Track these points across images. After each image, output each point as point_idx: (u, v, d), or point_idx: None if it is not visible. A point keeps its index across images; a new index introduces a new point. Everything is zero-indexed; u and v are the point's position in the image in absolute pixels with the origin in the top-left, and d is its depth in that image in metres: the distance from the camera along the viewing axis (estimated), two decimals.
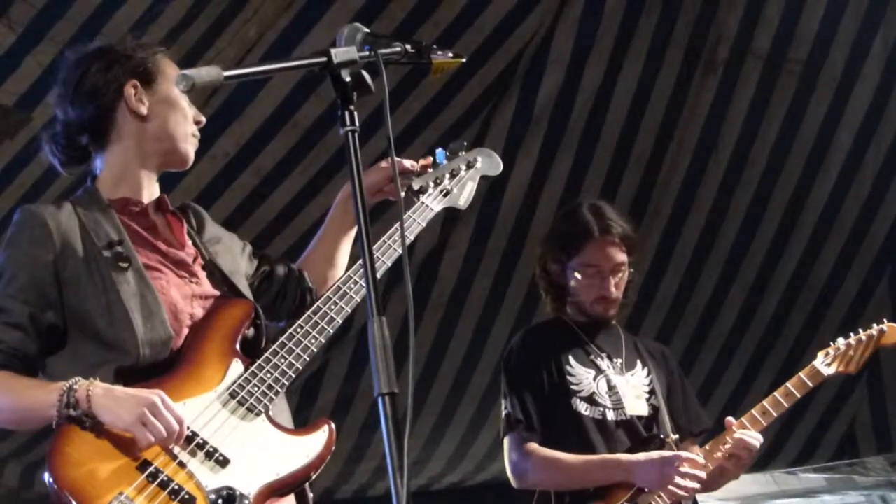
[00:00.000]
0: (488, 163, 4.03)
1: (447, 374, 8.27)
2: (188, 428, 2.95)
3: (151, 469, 2.88)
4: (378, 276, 3.18)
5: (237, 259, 3.53)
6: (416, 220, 3.67)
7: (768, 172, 7.68)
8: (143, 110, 3.32)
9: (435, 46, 2.92)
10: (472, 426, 8.52)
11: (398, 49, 2.79)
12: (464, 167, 3.93)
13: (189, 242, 3.40)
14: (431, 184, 3.81)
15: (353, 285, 3.36)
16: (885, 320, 4.87)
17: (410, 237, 3.60)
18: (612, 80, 7.36)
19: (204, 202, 3.57)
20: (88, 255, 3.16)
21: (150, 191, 3.38)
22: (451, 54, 2.98)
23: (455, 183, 3.87)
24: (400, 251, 3.47)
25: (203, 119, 3.44)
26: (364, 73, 2.69)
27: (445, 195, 3.82)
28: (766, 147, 7.59)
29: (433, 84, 6.82)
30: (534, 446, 4.52)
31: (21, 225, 3.21)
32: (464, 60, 3.05)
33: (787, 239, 7.90)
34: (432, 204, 3.76)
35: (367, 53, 2.69)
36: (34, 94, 6.23)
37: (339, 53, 2.66)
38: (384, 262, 3.43)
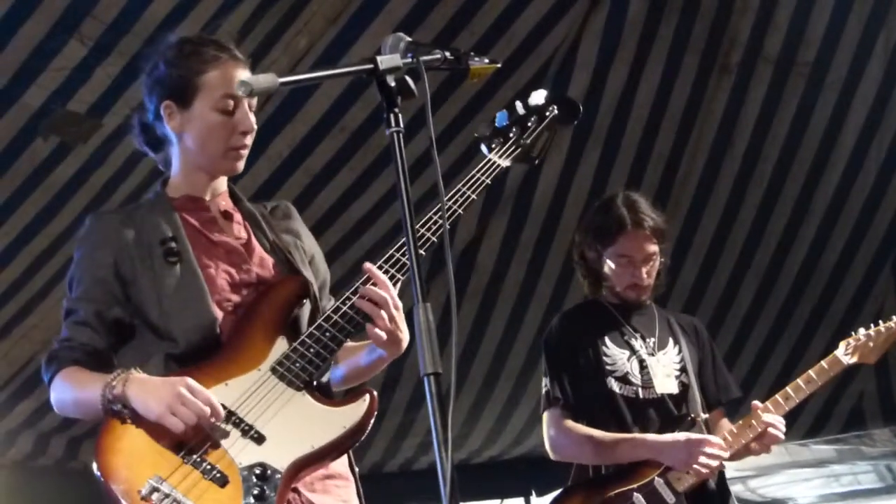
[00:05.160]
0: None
1: (485, 355, 8.27)
2: (225, 407, 2.88)
3: (185, 450, 2.83)
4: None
5: (305, 260, 3.34)
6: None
7: (779, 167, 7.64)
8: (177, 129, 3.20)
9: (472, 53, 2.89)
10: (509, 403, 8.52)
11: (438, 56, 2.73)
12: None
13: (245, 231, 3.30)
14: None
15: (402, 259, 3.11)
16: None
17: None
18: (635, 83, 7.34)
19: (259, 199, 3.52)
20: (143, 254, 3.12)
21: (214, 187, 3.30)
22: (486, 60, 2.94)
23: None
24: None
25: (253, 128, 3.21)
26: (407, 78, 2.64)
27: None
28: (777, 143, 7.54)
29: (470, 88, 6.79)
30: (570, 423, 4.49)
31: (86, 231, 3.21)
32: (499, 66, 3.01)
33: (798, 229, 7.86)
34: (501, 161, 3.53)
35: (409, 60, 2.64)
36: (104, 103, 6.24)
37: (384, 60, 2.62)
38: (431, 238, 3.16)
